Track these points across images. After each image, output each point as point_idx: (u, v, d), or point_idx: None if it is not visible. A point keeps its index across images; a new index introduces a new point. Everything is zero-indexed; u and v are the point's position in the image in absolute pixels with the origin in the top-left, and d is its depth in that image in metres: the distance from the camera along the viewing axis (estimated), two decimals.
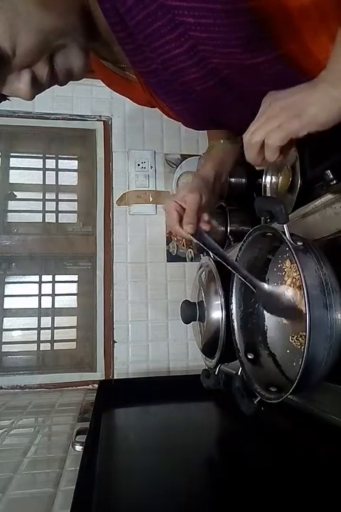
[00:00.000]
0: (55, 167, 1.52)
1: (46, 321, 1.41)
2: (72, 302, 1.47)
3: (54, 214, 1.49)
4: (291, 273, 0.61)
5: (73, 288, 1.49)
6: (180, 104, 0.63)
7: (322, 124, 0.43)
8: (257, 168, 0.54)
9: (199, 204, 0.67)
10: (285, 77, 0.51)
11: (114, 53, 0.59)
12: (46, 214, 1.48)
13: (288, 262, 0.62)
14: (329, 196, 0.55)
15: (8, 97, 0.51)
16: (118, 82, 0.69)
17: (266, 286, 0.63)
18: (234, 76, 0.53)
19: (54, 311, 1.42)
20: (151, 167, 1.49)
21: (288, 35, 0.48)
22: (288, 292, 0.60)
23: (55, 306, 1.43)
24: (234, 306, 0.69)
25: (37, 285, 1.43)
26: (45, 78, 0.48)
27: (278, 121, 0.45)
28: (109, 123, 1.51)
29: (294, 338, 0.59)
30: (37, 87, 0.48)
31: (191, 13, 0.44)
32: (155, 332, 1.40)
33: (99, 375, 1.34)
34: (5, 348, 1.37)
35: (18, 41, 0.43)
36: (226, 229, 1.10)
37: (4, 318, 1.39)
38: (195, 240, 0.66)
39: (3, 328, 1.38)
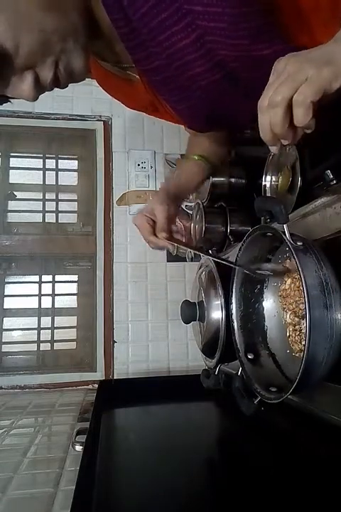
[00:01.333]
0: (55, 167, 1.52)
1: (46, 321, 1.41)
2: (72, 302, 1.47)
3: (54, 214, 1.49)
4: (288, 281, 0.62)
5: (73, 288, 1.49)
6: (183, 102, 0.62)
7: None
8: (274, 148, 0.43)
9: (168, 214, 0.71)
10: None
11: (115, 53, 0.58)
12: (46, 214, 1.48)
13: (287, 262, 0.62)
14: (329, 196, 0.55)
15: (10, 99, 0.51)
16: (117, 85, 0.68)
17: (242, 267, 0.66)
18: (242, 69, 0.52)
19: (54, 311, 1.42)
20: (151, 167, 1.49)
21: (299, 28, 0.47)
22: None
23: (55, 306, 1.43)
24: (234, 306, 0.69)
25: (37, 285, 1.43)
26: (48, 81, 0.48)
27: (305, 74, 0.36)
28: (109, 123, 1.51)
29: (293, 338, 0.59)
30: (39, 88, 0.48)
31: (199, 1, 0.44)
32: (155, 332, 1.40)
33: (99, 375, 1.34)
34: (5, 348, 1.37)
35: (20, 41, 0.43)
36: (226, 229, 1.10)
37: (4, 318, 1.39)
38: (171, 243, 0.72)
39: (3, 328, 1.38)
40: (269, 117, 0.39)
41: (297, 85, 0.37)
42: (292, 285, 0.61)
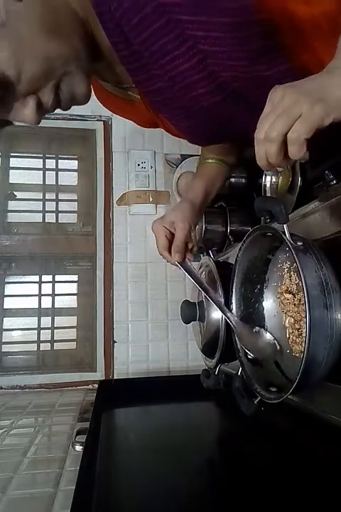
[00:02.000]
0: (55, 167, 1.52)
1: (46, 321, 1.41)
2: (72, 302, 1.47)
3: (54, 214, 1.49)
4: (289, 282, 0.62)
5: (73, 288, 1.49)
6: (186, 120, 0.63)
7: None
8: (268, 171, 0.49)
9: (188, 234, 0.69)
10: None
11: (116, 74, 0.58)
12: (46, 214, 1.48)
13: (286, 272, 0.62)
14: (329, 196, 0.55)
15: (9, 125, 0.52)
16: (118, 104, 0.69)
17: (243, 326, 0.66)
18: (244, 89, 0.53)
19: (54, 311, 1.42)
20: (151, 167, 1.49)
21: (300, 47, 0.47)
22: (265, 335, 0.63)
23: (55, 306, 1.43)
24: (234, 306, 0.69)
25: (37, 285, 1.43)
26: (49, 105, 0.48)
27: (299, 110, 0.38)
28: (109, 123, 1.51)
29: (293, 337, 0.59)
30: (42, 111, 0.49)
31: (200, 27, 0.44)
32: (155, 332, 1.40)
33: (99, 375, 1.34)
34: (5, 348, 1.37)
35: (22, 68, 0.43)
36: (226, 229, 1.11)
37: (4, 318, 1.39)
38: (181, 268, 0.70)
39: (3, 328, 1.38)
40: (265, 149, 0.41)
41: (291, 122, 0.38)
42: (291, 285, 0.61)
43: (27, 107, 0.47)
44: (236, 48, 0.45)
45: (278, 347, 0.61)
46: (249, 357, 0.64)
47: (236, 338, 0.66)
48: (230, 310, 0.68)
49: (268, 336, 0.63)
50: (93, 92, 0.62)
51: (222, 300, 0.75)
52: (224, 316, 0.75)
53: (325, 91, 0.38)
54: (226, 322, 0.74)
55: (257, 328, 0.64)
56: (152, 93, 0.57)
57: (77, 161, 1.57)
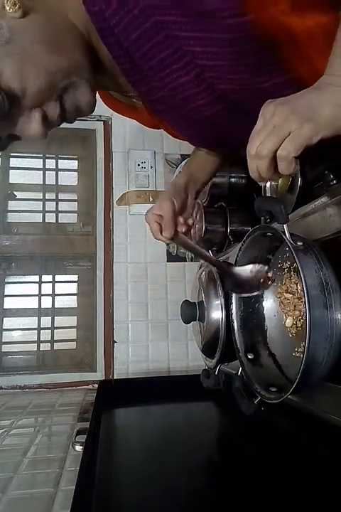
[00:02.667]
0: (55, 167, 1.52)
1: (46, 321, 1.41)
2: (72, 302, 1.47)
3: (54, 214, 1.49)
4: (289, 282, 0.61)
5: (73, 288, 1.49)
6: (188, 129, 0.64)
7: (336, 127, 0.41)
8: (261, 183, 0.51)
9: (173, 210, 0.69)
10: None
11: (118, 84, 0.59)
12: (46, 214, 1.48)
13: (286, 272, 0.62)
14: (329, 196, 0.55)
15: (14, 140, 0.52)
16: (121, 106, 0.69)
17: (235, 269, 0.65)
18: (243, 100, 0.53)
19: (54, 311, 1.42)
20: (151, 167, 1.49)
21: (297, 59, 0.48)
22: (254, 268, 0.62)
23: (55, 306, 1.43)
24: (234, 306, 0.69)
25: (37, 285, 1.43)
26: (55, 118, 0.49)
27: (288, 128, 0.40)
28: (109, 123, 1.51)
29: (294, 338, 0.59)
30: (48, 125, 0.49)
31: (197, 43, 0.45)
32: (155, 332, 1.40)
33: (99, 375, 1.34)
34: (5, 348, 1.37)
35: (27, 83, 0.44)
36: (226, 229, 1.10)
37: (4, 318, 1.40)
38: (174, 243, 0.70)
39: (3, 328, 1.38)
40: (256, 164, 0.44)
41: (281, 140, 0.40)
42: (291, 285, 0.61)
43: (33, 120, 0.48)
44: (233, 62, 0.46)
45: (268, 273, 0.61)
46: (249, 357, 0.64)
47: (236, 336, 0.66)
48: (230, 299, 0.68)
49: (256, 266, 0.62)
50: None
51: (223, 300, 0.75)
52: (224, 313, 0.75)
53: (314, 109, 0.40)
54: (226, 322, 0.74)
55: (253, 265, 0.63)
56: (154, 102, 0.58)
57: (77, 161, 1.57)
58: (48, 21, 0.46)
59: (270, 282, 0.62)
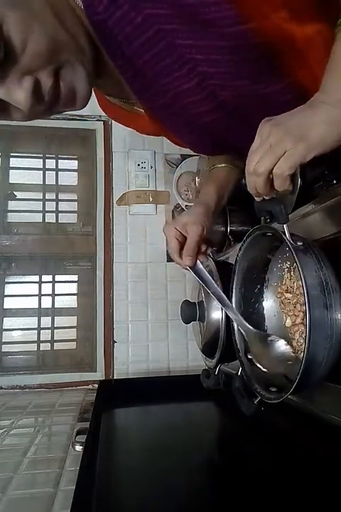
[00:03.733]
0: (55, 167, 1.52)
1: (46, 321, 1.41)
2: (72, 302, 1.47)
3: (54, 214, 1.49)
4: (289, 282, 0.61)
5: (73, 288, 1.49)
6: (190, 135, 0.64)
7: (329, 144, 0.42)
8: (258, 199, 0.51)
9: (201, 236, 0.66)
10: (295, 103, 0.51)
11: (121, 90, 0.59)
12: (46, 214, 1.48)
13: (286, 272, 0.62)
14: (329, 196, 0.55)
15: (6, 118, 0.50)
16: (123, 116, 0.69)
17: (253, 330, 0.61)
18: (244, 106, 0.54)
19: (54, 311, 1.42)
20: (151, 167, 1.49)
21: (297, 65, 0.48)
22: (278, 343, 0.58)
23: (55, 306, 1.43)
24: (234, 307, 0.69)
25: (37, 285, 1.43)
26: (47, 90, 0.45)
27: (283, 148, 0.43)
28: (109, 123, 1.51)
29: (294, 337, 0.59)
30: (36, 97, 0.45)
31: (199, 51, 0.45)
32: (155, 332, 1.40)
33: (99, 375, 1.34)
34: (5, 348, 1.37)
35: (29, 39, 0.42)
36: (226, 229, 1.10)
37: (4, 318, 1.39)
38: (192, 272, 0.66)
39: (3, 328, 1.38)
40: (254, 181, 0.47)
41: (276, 159, 0.43)
42: (291, 285, 0.61)
43: (23, 86, 0.43)
44: (235, 69, 0.47)
45: (291, 360, 0.56)
46: (249, 357, 0.64)
47: (236, 336, 0.66)
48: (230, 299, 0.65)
49: (283, 346, 0.57)
50: (93, 92, 0.62)
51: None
52: (224, 313, 0.75)
53: (307, 129, 0.42)
54: (226, 322, 0.74)
55: (273, 336, 0.59)
56: (156, 109, 0.58)
57: (77, 161, 1.57)
58: (63, 2, 0.45)
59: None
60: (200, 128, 0.61)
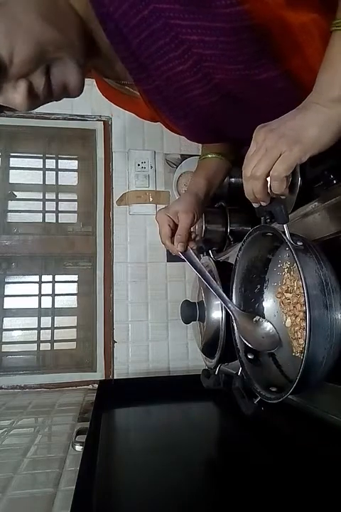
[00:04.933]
0: (55, 167, 1.52)
1: (46, 321, 1.41)
2: (72, 302, 1.47)
3: (54, 214, 1.49)
4: (289, 282, 0.61)
5: (73, 288, 1.49)
6: (184, 119, 0.64)
7: (323, 145, 0.44)
8: (255, 205, 0.52)
9: (192, 223, 0.71)
10: (289, 92, 0.52)
11: (116, 71, 0.59)
12: (46, 214, 1.48)
13: (286, 272, 0.62)
14: (329, 196, 0.55)
15: (5, 111, 0.51)
16: (120, 97, 0.69)
17: (239, 310, 0.67)
18: (239, 91, 0.54)
19: (54, 311, 1.42)
20: (151, 167, 1.49)
21: (292, 52, 0.48)
22: (265, 324, 0.63)
23: (55, 306, 1.43)
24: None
25: (37, 285, 1.43)
26: (41, 89, 0.47)
27: (278, 151, 0.44)
28: (109, 123, 1.51)
29: (294, 338, 0.59)
30: (32, 98, 0.48)
31: (194, 31, 0.45)
32: (155, 332, 1.40)
33: (99, 375, 1.34)
34: (5, 348, 1.37)
35: (15, 50, 0.43)
36: (226, 229, 1.11)
37: (4, 318, 1.39)
38: (182, 257, 0.71)
39: (3, 328, 1.38)
40: (252, 186, 0.48)
41: (272, 162, 0.45)
42: (291, 285, 0.61)
43: (18, 90, 0.46)
44: (229, 52, 0.46)
45: (279, 338, 0.61)
46: (249, 357, 0.64)
47: (236, 328, 0.66)
48: (230, 299, 0.69)
49: (268, 326, 0.62)
50: (93, 91, 0.62)
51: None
52: (223, 313, 0.75)
53: (301, 132, 0.44)
54: (226, 322, 0.74)
55: (257, 317, 0.64)
56: (151, 91, 0.58)
57: (77, 161, 1.57)
58: None
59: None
60: (194, 112, 0.60)
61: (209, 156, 0.81)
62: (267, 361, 0.64)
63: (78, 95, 0.52)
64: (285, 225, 0.51)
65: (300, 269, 0.47)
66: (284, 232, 0.51)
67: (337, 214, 0.54)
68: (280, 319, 0.63)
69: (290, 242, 0.50)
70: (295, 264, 0.48)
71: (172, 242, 0.71)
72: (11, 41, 0.43)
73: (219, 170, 0.81)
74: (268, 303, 0.67)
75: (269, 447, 0.72)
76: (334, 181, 0.57)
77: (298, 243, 0.51)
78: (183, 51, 0.48)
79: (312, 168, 0.68)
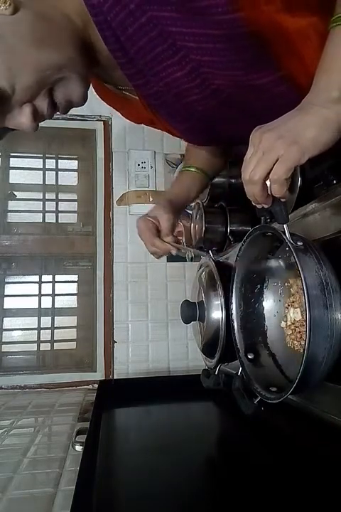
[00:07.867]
0: (55, 167, 1.52)
1: (46, 321, 1.41)
2: (72, 302, 1.47)
3: (54, 214, 1.49)
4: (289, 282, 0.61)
5: (73, 288, 1.49)
6: (183, 123, 0.64)
7: (322, 146, 0.43)
8: (258, 206, 0.51)
9: (172, 223, 0.77)
10: (288, 95, 0.52)
11: (114, 77, 0.59)
12: (46, 214, 1.48)
13: (286, 272, 0.62)
14: (329, 196, 0.55)
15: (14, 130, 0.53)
16: (119, 101, 0.70)
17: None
18: (237, 95, 0.54)
19: (54, 311, 1.42)
20: (151, 167, 1.49)
21: (289, 57, 0.48)
22: None
23: (55, 306, 1.43)
24: (234, 306, 0.69)
25: (37, 285, 1.43)
26: (45, 111, 0.49)
27: (276, 153, 0.43)
28: (109, 123, 1.51)
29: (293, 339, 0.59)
30: (39, 118, 0.49)
31: (191, 38, 0.45)
32: (155, 332, 1.40)
33: (99, 375, 1.34)
34: (5, 348, 1.37)
35: (16, 80, 0.44)
36: (226, 229, 1.10)
37: (4, 318, 1.40)
38: (175, 247, 0.79)
39: (3, 328, 1.39)
40: (251, 189, 0.47)
41: (271, 165, 0.43)
42: (290, 284, 0.61)
43: (23, 114, 0.48)
44: (227, 57, 0.47)
45: None
46: (249, 357, 0.64)
47: (236, 336, 0.66)
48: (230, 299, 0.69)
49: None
50: (93, 91, 0.63)
51: (223, 300, 0.75)
52: (224, 313, 0.76)
53: (299, 133, 0.43)
54: (226, 322, 0.74)
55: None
56: (150, 96, 0.58)
57: (77, 161, 1.57)
58: (40, 16, 0.45)
59: None
60: (193, 117, 0.61)
61: (190, 169, 0.84)
62: (267, 361, 0.64)
63: (83, 105, 0.53)
64: (285, 225, 0.51)
65: (300, 269, 0.47)
66: (284, 232, 0.51)
67: (337, 214, 0.54)
68: (280, 319, 0.63)
69: (290, 242, 0.50)
70: (295, 264, 0.48)
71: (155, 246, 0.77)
72: (10, 72, 0.44)
73: (195, 183, 0.84)
74: (268, 303, 0.67)
75: (269, 447, 0.72)
76: (334, 181, 0.57)
77: (298, 243, 0.50)
78: (181, 58, 0.48)
79: (312, 168, 0.68)
